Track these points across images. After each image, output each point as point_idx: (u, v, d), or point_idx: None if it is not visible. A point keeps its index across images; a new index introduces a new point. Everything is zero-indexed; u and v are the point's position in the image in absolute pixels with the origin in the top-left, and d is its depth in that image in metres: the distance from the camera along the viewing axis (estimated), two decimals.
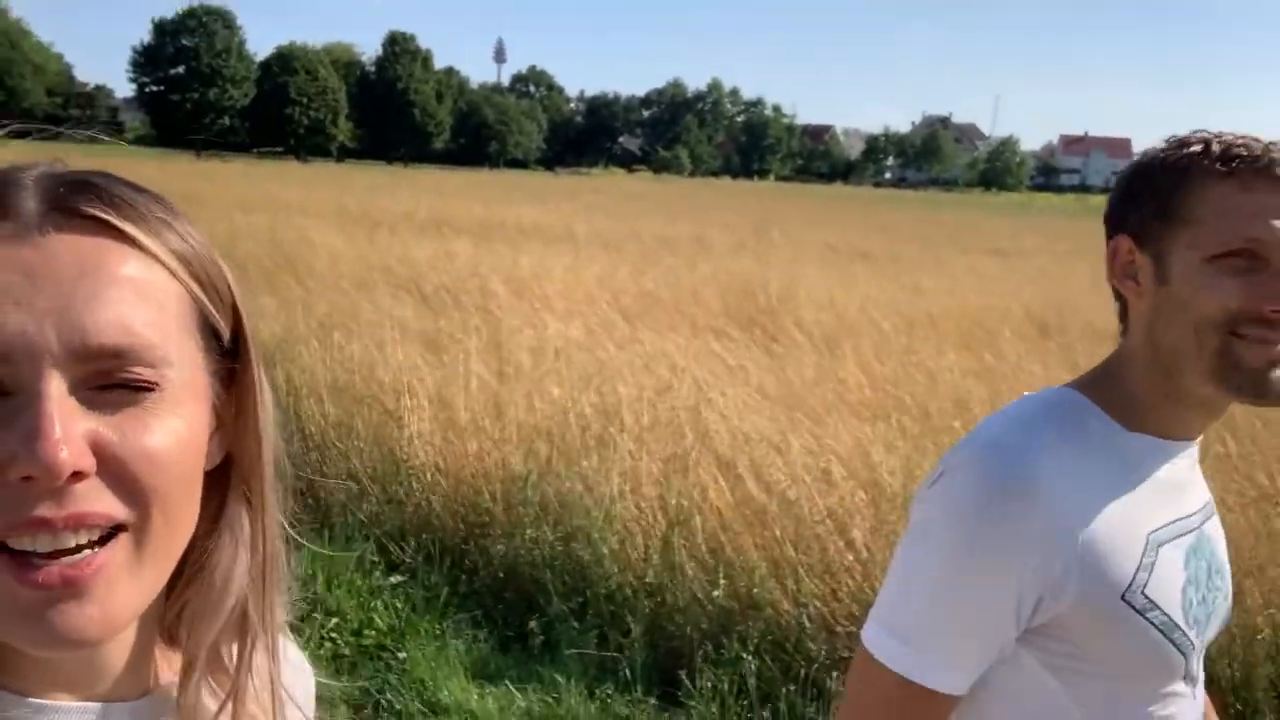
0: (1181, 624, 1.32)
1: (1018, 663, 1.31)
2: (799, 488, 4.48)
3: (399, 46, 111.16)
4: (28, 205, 0.67)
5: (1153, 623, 1.29)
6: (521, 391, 5.98)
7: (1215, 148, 1.29)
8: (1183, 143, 1.33)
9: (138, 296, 0.67)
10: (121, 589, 0.66)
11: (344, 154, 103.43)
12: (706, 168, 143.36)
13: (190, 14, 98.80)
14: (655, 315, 9.09)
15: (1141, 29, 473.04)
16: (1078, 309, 10.42)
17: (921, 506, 1.33)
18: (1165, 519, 1.34)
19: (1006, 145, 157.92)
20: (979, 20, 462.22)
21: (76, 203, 0.67)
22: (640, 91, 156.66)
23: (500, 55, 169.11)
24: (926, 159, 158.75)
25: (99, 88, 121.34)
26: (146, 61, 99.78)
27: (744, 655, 3.90)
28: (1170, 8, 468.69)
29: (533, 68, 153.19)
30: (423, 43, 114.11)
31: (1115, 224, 1.37)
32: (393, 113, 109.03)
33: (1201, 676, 1.42)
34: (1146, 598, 1.28)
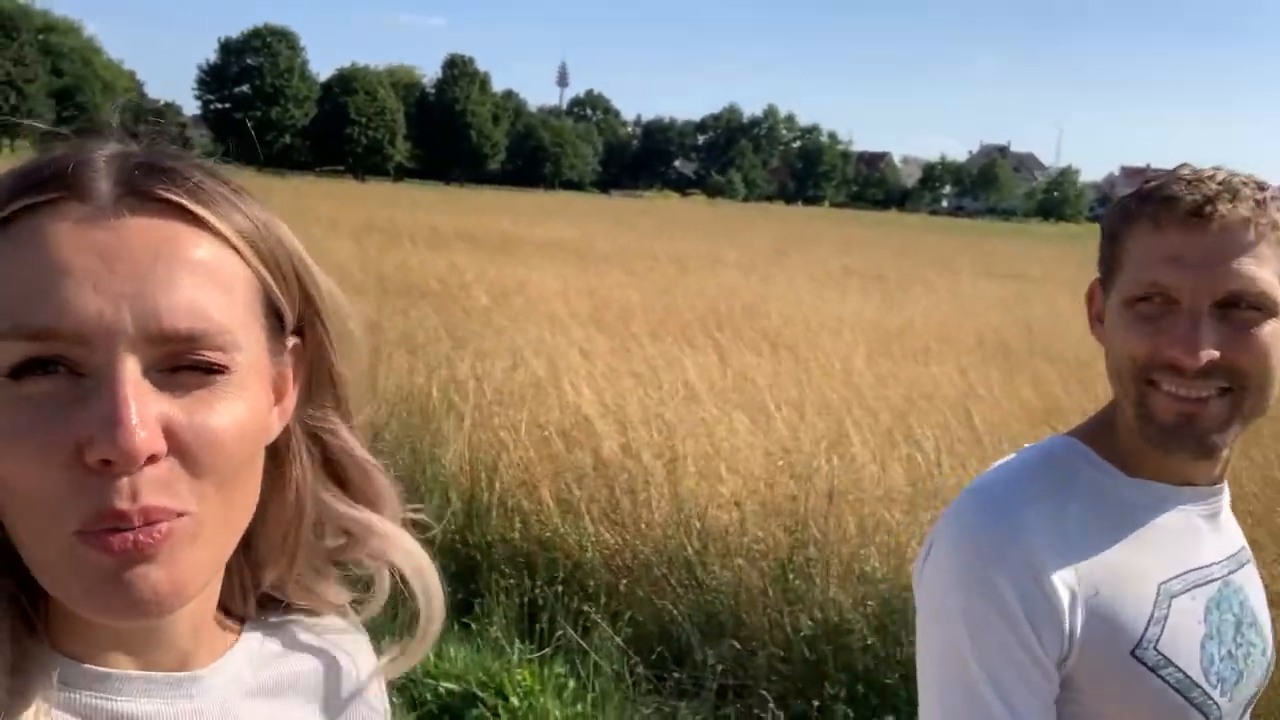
0: (1202, 682, 1.24)
1: None
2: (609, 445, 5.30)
3: (458, 69, 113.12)
4: (102, 187, 0.68)
5: (1167, 681, 1.22)
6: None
7: (1146, 188, 1.26)
8: (1143, 180, 1.31)
9: (210, 280, 0.68)
10: (186, 561, 0.67)
11: (401, 173, 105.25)
12: (760, 192, 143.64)
13: (255, 34, 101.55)
14: (612, 320, 9.57)
15: (1207, 59, 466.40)
16: (1058, 333, 10.62)
17: (921, 589, 1.28)
18: (1178, 569, 1.27)
19: (1066, 175, 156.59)
20: (1044, 50, 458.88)
21: (150, 185, 0.68)
22: (696, 116, 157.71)
23: (563, 79, 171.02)
24: (984, 188, 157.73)
25: (168, 104, 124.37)
26: (212, 80, 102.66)
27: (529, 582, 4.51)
28: (1236, 39, 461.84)
29: (590, 91, 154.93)
30: (487, 66, 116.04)
31: (1098, 268, 1.35)
32: (450, 134, 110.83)
33: None
34: (1160, 653, 1.22)
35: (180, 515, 0.66)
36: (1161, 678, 1.21)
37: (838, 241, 33.32)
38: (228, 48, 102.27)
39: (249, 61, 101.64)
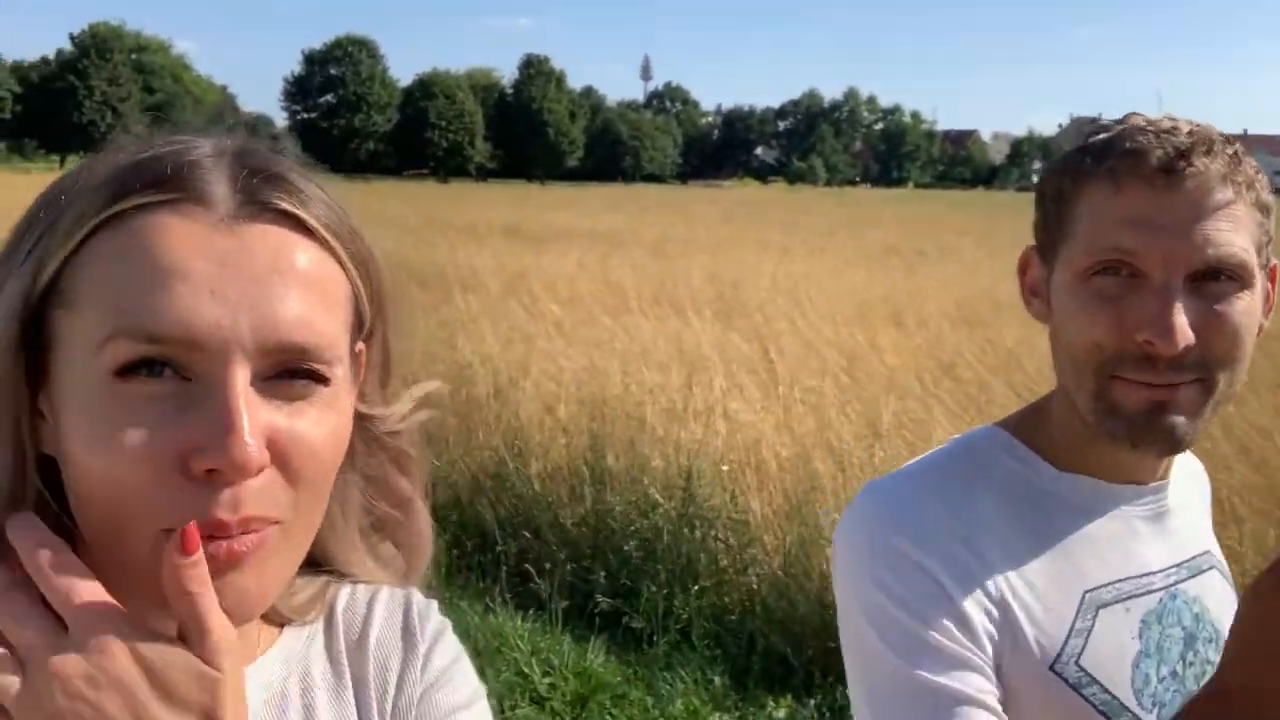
0: (1131, 705, 1.11)
1: None
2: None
3: (534, 69, 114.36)
4: (222, 192, 0.68)
5: (1090, 701, 1.09)
6: None
7: (1098, 140, 1.09)
8: (1085, 135, 1.14)
9: (319, 293, 0.69)
10: (272, 566, 0.68)
11: (483, 174, 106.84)
12: (842, 176, 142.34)
13: (337, 44, 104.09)
14: (585, 297, 10.28)
15: None
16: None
17: (834, 578, 1.18)
18: (1109, 577, 1.13)
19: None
20: (1141, 16, 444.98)
21: (268, 195, 0.69)
22: (776, 103, 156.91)
23: (646, 73, 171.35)
24: None
25: (260, 117, 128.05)
26: (297, 91, 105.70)
27: None
28: None
29: (669, 84, 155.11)
30: (573, 65, 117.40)
31: (1034, 233, 1.17)
32: (528, 133, 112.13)
33: None
34: (1081, 669, 1.09)
35: (275, 523, 0.67)
36: (1084, 697, 1.08)
37: (899, 221, 33.07)
38: (311, 59, 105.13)
39: (332, 71, 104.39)
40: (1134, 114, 1.11)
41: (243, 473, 0.62)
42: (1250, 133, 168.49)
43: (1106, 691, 1.09)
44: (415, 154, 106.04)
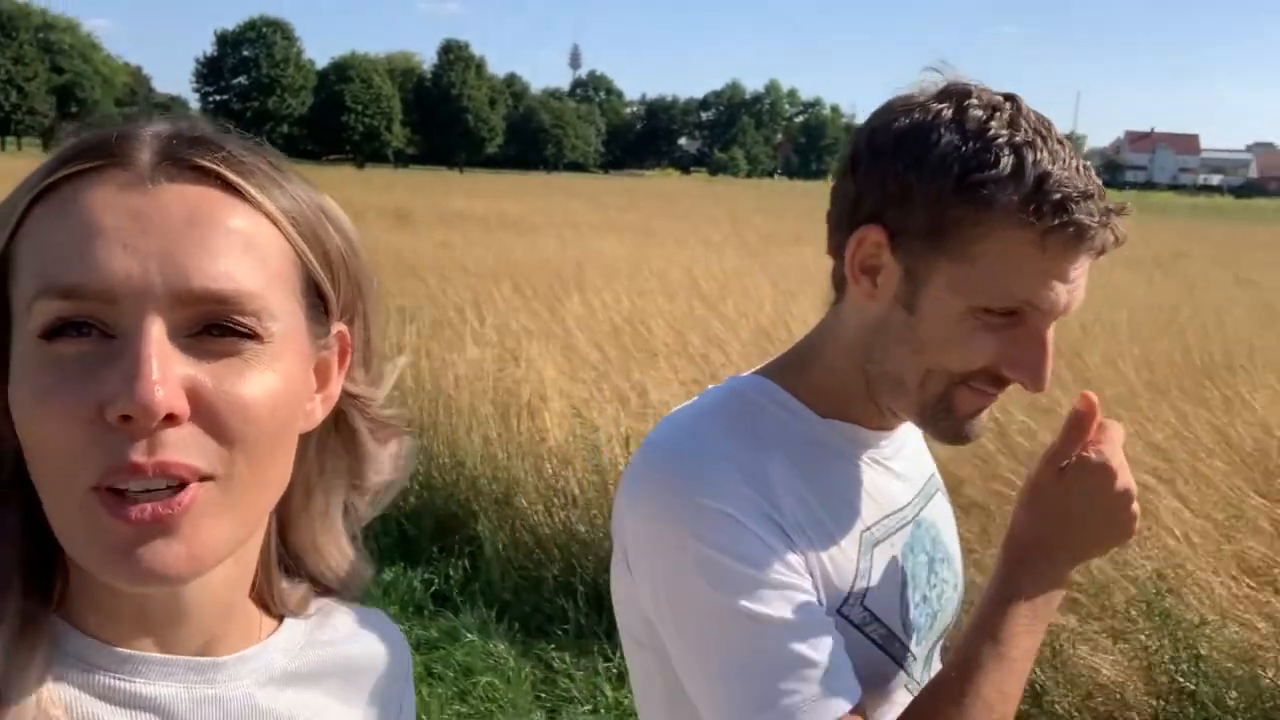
0: (899, 634, 1.17)
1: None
2: None
3: (453, 54, 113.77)
4: (143, 155, 0.68)
5: (870, 637, 1.14)
6: None
7: (1029, 176, 1.03)
8: (986, 137, 1.06)
9: (243, 247, 0.68)
10: (206, 530, 0.66)
11: (401, 160, 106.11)
12: (763, 168, 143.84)
13: (250, 25, 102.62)
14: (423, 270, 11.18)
15: (1215, 22, 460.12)
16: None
17: (627, 544, 1.15)
18: (877, 514, 1.18)
19: (1073, 141, 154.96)
20: (1062, 17, 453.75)
21: (189, 154, 0.69)
22: (699, 94, 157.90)
23: (575, 61, 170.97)
24: None
25: (174, 99, 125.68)
26: (209, 72, 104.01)
27: None
28: (1245, 4, 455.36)
29: (593, 72, 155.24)
30: (498, 51, 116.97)
31: (869, 209, 1.11)
32: (447, 119, 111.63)
33: (928, 679, 1.20)
34: (866, 610, 1.13)
35: (204, 479, 0.66)
36: (867, 635, 1.13)
37: (797, 212, 33.89)
38: (224, 40, 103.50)
39: (245, 53, 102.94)
40: (1058, 146, 1.06)
41: (149, 415, 0.62)
42: (1157, 130, 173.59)
43: (884, 626, 1.15)
44: (331, 139, 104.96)
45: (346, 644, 0.88)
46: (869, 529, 1.17)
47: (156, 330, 0.64)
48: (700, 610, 1.07)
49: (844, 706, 1.04)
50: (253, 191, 0.70)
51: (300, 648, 0.83)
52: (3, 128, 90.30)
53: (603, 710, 4.08)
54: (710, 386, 1.25)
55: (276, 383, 0.69)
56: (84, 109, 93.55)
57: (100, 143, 0.69)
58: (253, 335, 0.68)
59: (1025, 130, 1.06)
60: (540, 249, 14.41)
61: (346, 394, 0.80)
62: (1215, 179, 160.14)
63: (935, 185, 1.06)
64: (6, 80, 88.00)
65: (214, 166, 0.69)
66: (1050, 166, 1.04)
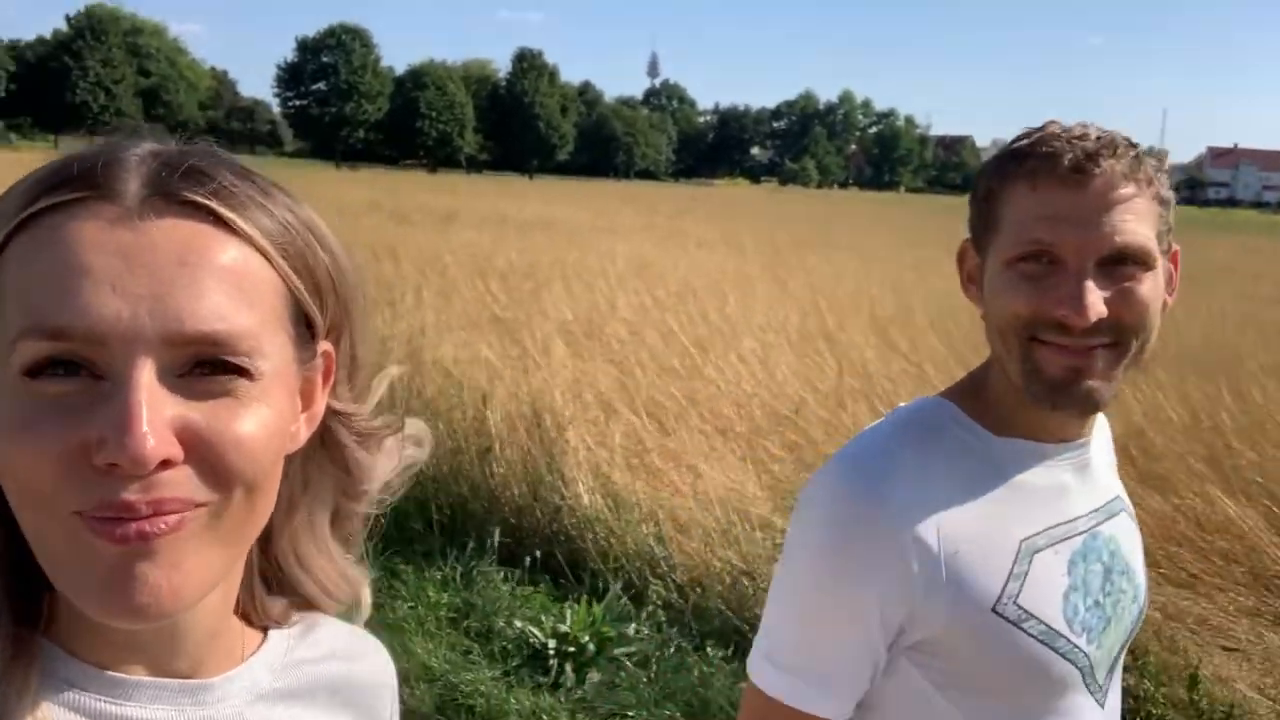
0: (1066, 632, 1.27)
1: (905, 682, 1.27)
2: None
3: (526, 63, 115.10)
4: (130, 188, 0.67)
5: (1029, 633, 1.24)
6: None
7: (1019, 146, 1.24)
8: (1013, 143, 1.28)
9: (235, 286, 0.67)
10: (192, 562, 0.66)
11: (475, 166, 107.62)
12: (834, 178, 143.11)
13: (330, 33, 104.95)
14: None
15: None
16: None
17: (791, 529, 1.31)
18: (1042, 525, 1.29)
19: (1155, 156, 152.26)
20: (1146, 31, 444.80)
21: (179, 188, 0.67)
22: (772, 104, 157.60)
23: (653, 69, 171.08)
24: None
25: (257, 102, 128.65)
26: (290, 78, 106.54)
27: None
28: None
29: (666, 81, 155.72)
30: (577, 60, 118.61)
31: (969, 228, 1.33)
32: (519, 126, 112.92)
33: (1114, 686, 1.37)
34: (1020, 608, 1.24)
35: (198, 506, 0.66)
36: (1024, 630, 1.23)
37: (850, 220, 34.02)
38: (305, 46, 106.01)
39: (324, 59, 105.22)
40: (1052, 121, 1.25)
41: (140, 467, 0.61)
42: (1240, 146, 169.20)
43: (1043, 624, 1.25)
44: (406, 144, 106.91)
45: (333, 659, 0.88)
46: (1030, 538, 1.27)
47: (147, 375, 0.63)
48: (779, 579, 1.30)
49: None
50: (243, 225, 0.69)
51: (284, 664, 0.84)
52: (90, 128, 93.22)
53: (422, 609, 4.77)
54: (900, 405, 1.39)
55: (269, 417, 0.69)
56: (169, 112, 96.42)
57: (85, 172, 0.68)
58: (244, 373, 0.67)
59: (1053, 128, 1.24)
60: (539, 247, 15.25)
61: (331, 410, 0.81)
62: None
63: (981, 185, 1.29)
64: (95, 82, 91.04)
65: (204, 200, 0.68)
66: (1038, 136, 1.23)
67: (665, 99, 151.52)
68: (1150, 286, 1.21)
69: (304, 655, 0.86)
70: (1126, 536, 1.40)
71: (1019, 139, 1.26)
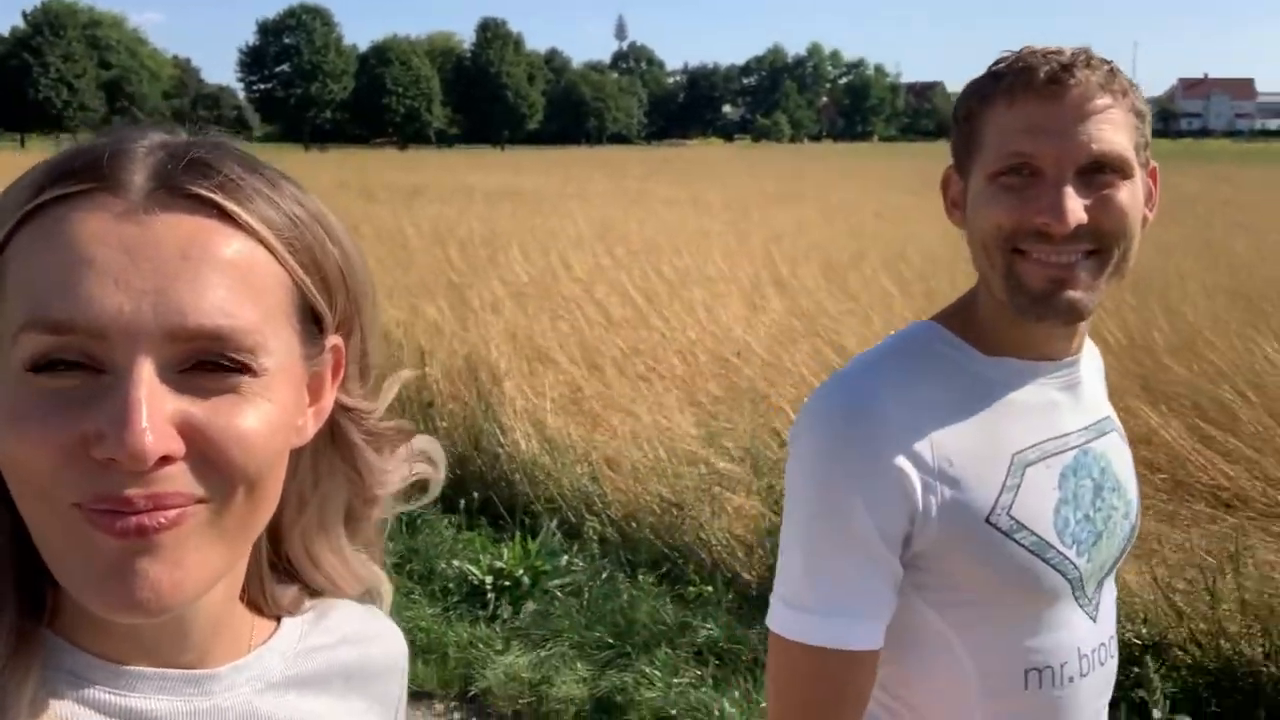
0: (1056, 544, 1.30)
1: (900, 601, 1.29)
2: None
3: (490, 32, 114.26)
4: (136, 180, 0.66)
5: (1021, 543, 1.27)
6: None
7: (997, 67, 1.28)
8: (991, 67, 1.30)
9: (240, 280, 0.66)
10: (193, 556, 0.66)
11: (444, 140, 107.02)
12: (807, 132, 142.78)
13: (290, 13, 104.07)
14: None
15: None
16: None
17: (788, 466, 1.32)
18: (1033, 439, 1.31)
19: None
20: None
21: (184, 181, 0.67)
22: (741, 60, 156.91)
23: (621, 32, 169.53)
24: None
25: (222, 89, 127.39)
26: (253, 62, 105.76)
27: None
28: None
29: (633, 44, 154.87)
30: (541, 25, 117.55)
31: (952, 153, 1.36)
32: (486, 97, 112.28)
33: (1106, 600, 1.40)
34: (1013, 519, 1.27)
35: (199, 502, 0.65)
36: (1016, 541, 1.27)
37: (821, 173, 34.13)
38: (265, 28, 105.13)
39: (286, 40, 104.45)
40: (1026, 46, 1.29)
41: (138, 463, 0.61)
42: (1211, 76, 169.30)
43: (1034, 534, 1.28)
44: (372, 121, 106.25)
45: (346, 644, 0.87)
46: (1021, 451, 1.30)
47: (147, 371, 0.63)
48: (784, 525, 1.31)
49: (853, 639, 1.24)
50: (248, 219, 0.69)
51: (297, 651, 0.83)
52: (55, 124, 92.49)
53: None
54: (895, 331, 1.43)
55: (273, 412, 0.68)
56: (133, 103, 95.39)
57: (91, 163, 0.67)
58: (247, 369, 0.67)
59: (1029, 48, 1.28)
60: (503, 216, 15.41)
61: (341, 406, 0.80)
62: (1274, 123, 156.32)
63: (962, 108, 1.32)
64: (57, 78, 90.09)
65: (209, 194, 0.68)
66: (1011, 56, 1.28)
67: (634, 61, 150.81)
68: (1128, 195, 1.24)
69: (317, 642, 0.85)
70: (1118, 455, 1.43)
71: (997, 62, 1.29)
